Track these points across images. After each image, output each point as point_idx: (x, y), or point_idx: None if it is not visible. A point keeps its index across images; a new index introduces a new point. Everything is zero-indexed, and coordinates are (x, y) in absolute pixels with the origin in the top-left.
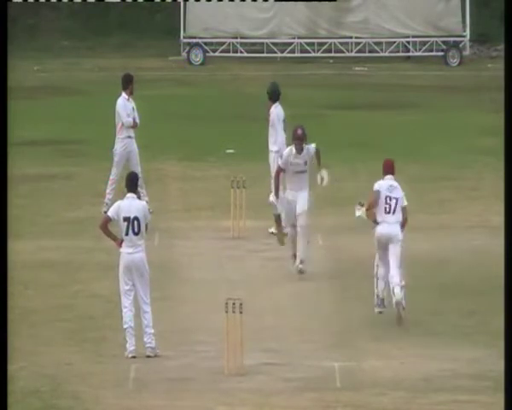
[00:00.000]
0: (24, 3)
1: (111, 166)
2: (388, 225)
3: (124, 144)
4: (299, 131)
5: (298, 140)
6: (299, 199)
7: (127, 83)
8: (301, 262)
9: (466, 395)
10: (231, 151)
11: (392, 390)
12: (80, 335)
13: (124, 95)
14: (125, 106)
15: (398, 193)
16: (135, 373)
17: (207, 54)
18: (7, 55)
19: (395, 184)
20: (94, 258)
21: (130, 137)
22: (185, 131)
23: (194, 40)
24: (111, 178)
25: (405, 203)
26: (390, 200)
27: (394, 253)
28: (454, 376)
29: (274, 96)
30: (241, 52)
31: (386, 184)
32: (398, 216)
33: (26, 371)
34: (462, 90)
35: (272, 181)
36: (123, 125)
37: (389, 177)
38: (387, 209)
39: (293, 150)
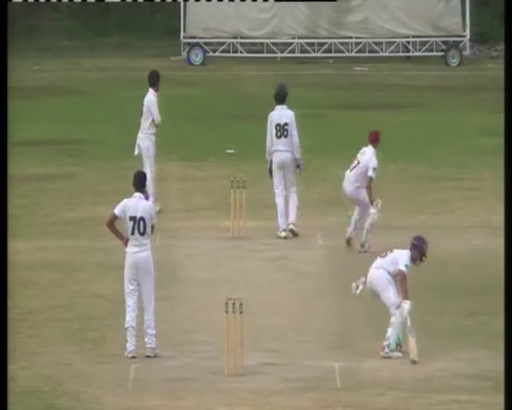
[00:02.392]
0: (24, 3)
1: (142, 166)
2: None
3: (151, 140)
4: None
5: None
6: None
7: (156, 80)
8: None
9: (466, 395)
10: (231, 151)
11: (391, 390)
12: (80, 335)
13: (152, 91)
14: (154, 102)
15: (363, 159)
16: (135, 373)
17: (207, 54)
18: (7, 55)
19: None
20: (94, 258)
21: (154, 134)
22: (185, 131)
23: (194, 40)
24: (151, 176)
25: (369, 174)
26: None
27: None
28: (454, 376)
29: (276, 97)
30: (241, 52)
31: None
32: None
33: (26, 371)
34: (462, 90)
35: None
36: (153, 121)
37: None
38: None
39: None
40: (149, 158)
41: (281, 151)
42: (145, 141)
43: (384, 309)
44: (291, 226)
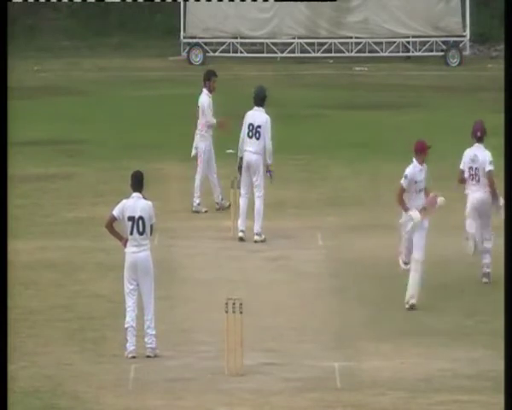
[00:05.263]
0: (24, 3)
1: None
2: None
3: (209, 143)
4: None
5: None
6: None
7: (206, 79)
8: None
9: (466, 395)
10: (231, 151)
11: (392, 390)
12: (80, 335)
13: (206, 91)
14: (209, 104)
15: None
16: (135, 373)
17: (207, 54)
18: (7, 55)
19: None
20: (94, 258)
21: (211, 136)
22: (185, 131)
23: (194, 40)
24: (199, 180)
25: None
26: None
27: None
28: (454, 376)
29: (255, 99)
30: (241, 52)
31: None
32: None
33: (26, 371)
34: (462, 90)
35: None
36: (206, 123)
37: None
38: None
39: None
40: (204, 160)
41: (249, 152)
42: (202, 142)
43: (384, 309)
44: (255, 237)
